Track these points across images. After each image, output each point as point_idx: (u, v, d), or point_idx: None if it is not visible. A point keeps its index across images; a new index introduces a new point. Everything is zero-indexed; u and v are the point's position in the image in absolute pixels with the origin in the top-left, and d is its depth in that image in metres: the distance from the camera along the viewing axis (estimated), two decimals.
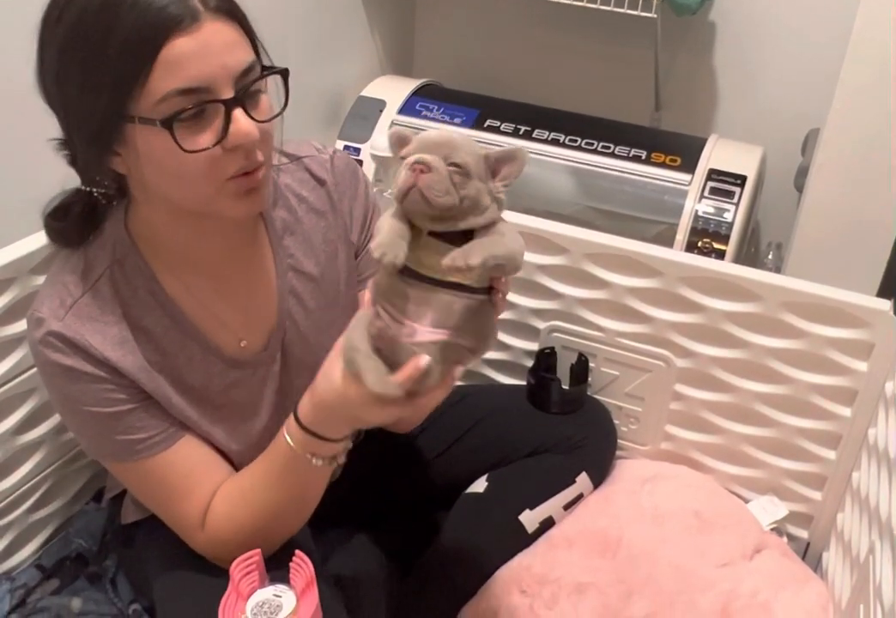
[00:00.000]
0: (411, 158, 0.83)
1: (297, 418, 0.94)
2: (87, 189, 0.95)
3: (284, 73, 0.91)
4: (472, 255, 0.81)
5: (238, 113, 0.85)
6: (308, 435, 0.93)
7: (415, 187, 0.82)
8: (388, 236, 0.84)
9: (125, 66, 0.80)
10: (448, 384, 0.89)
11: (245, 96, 0.86)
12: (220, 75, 0.83)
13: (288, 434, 0.95)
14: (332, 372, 0.89)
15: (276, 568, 0.96)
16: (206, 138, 0.85)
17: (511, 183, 0.87)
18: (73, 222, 0.97)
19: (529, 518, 1.32)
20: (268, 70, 0.90)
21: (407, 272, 0.85)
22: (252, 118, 0.86)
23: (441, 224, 0.84)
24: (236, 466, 1.07)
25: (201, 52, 0.82)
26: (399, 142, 0.88)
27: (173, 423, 1.01)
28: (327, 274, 1.11)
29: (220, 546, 1.01)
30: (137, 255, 0.98)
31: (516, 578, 1.28)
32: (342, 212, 1.11)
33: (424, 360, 0.84)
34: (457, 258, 0.81)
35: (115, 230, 0.98)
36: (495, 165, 0.86)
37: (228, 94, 0.84)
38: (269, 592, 0.94)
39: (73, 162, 0.93)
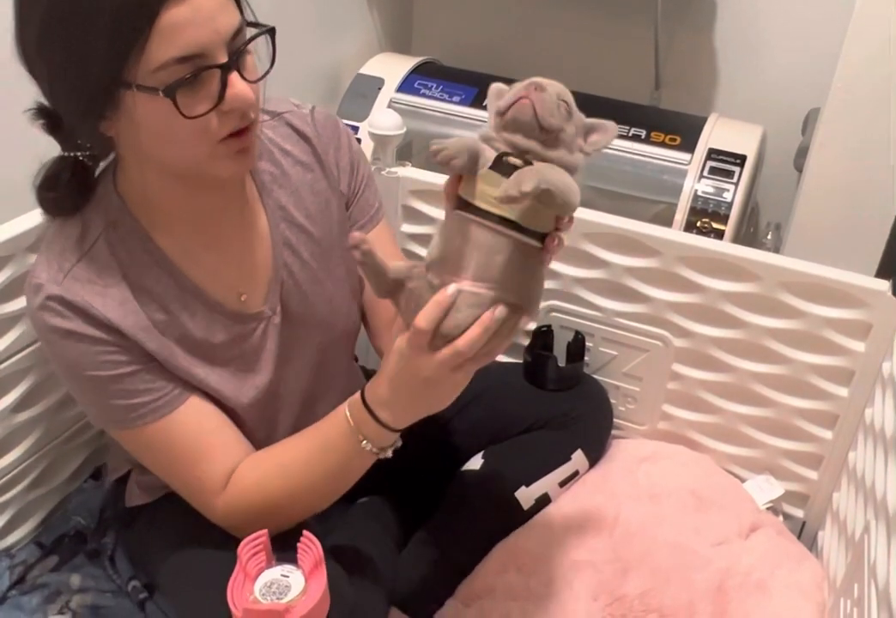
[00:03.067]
0: (526, 81, 0.87)
1: (363, 397, 0.95)
2: (71, 155, 0.95)
3: (272, 32, 0.91)
4: (525, 181, 0.81)
5: (234, 77, 0.86)
6: (370, 417, 0.94)
7: (527, 99, 0.85)
8: (455, 141, 0.86)
9: (120, 35, 0.80)
10: (481, 333, 0.86)
11: (238, 59, 0.87)
12: (214, 40, 0.84)
13: (349, 412, 0.96)
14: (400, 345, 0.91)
15: (283, 549, 0.96)
16: (203, 103, 0.85)
17: (592, 152, 0.91)
18: (64, 190, 0.96)
19: (525, 495, 1.32)
20: (253, 26, 0.90)
21: (461, 206, 0.88)
22: (247, 80, 0.88)
23: (527, 149, 0.86)
24: (246, 421, 1.08)
25: (195, 18, 0.81)
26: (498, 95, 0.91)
27: (178, 385, 1.01)
28: (319, 225, 1.12)
29: (241, 514, 1.02)
30: (130, 216, 0.98)
31: (512, 555, 1.29)
32: (328, 163, 1.12)
33: (452, 287, 0.86)
34: (510, 187, 0.81)
35: (105, 193, 0.98)
36: (588, 128, 0.92)
37: (223, 58, 0.85)
38: (276, 572, 0.94)
39: (52, 130, 0.92)
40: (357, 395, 0.97)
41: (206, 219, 1.02)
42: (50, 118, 0.91)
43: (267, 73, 0.92)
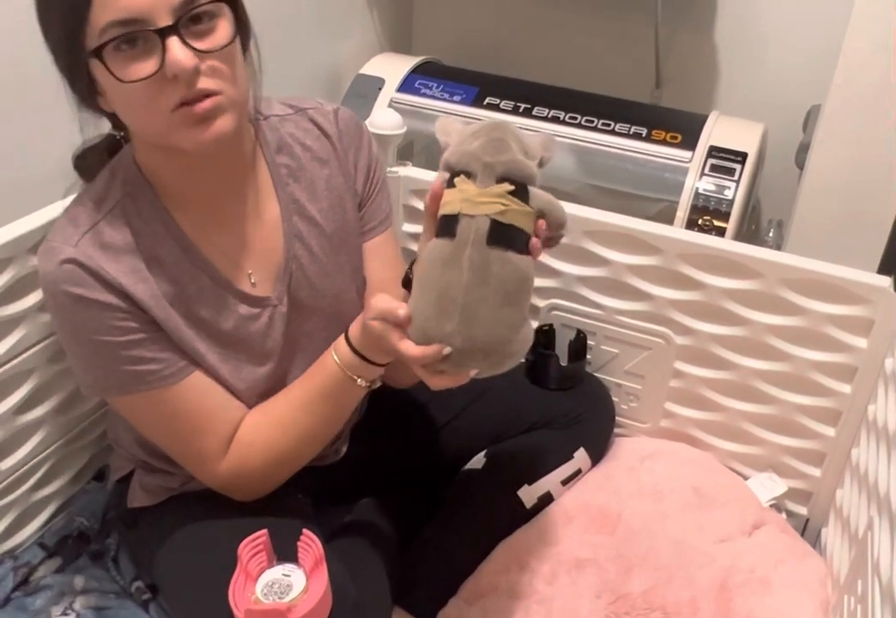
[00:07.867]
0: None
1: (347, 340, 1.00)
2: (113, 133, 0.99)
3: (230, 1, 0.90)
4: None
5: (172, 42, 0.85)
6: (356, 356, 0.99)
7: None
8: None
9: (68, 1, 0.83)
10: None
11: (185, 25, 0.86)
12: (157, 5, 0.83)
13: (336, 354, 1.00)
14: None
15: (283, 548, 0.96)
16: (145, 68, 0.85)
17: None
18: (95, 159, 1.00)
19: (528, 493, 1.32)
20: None
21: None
22: (192, 48, 0.86)
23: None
24: (247, 407, 1.08)
25: None
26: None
27: (184, 357, 1.02)
28: (331, 221, 1.12)
29: (247, 476, 1.05)
30: (148, 188, 0.99)
31: (515, 553, 1.29)
32: (347, 162, 1.13)
33: (448, 350, 0.92)
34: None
35: (125, 165, 1.00)
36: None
37: (165, 23, 0.84)
38: (278, 571, 0.94)
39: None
40: (341, 339, 1.01)
41: (214, 201, 1.03)
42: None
43: (229, 43, 0.89)
